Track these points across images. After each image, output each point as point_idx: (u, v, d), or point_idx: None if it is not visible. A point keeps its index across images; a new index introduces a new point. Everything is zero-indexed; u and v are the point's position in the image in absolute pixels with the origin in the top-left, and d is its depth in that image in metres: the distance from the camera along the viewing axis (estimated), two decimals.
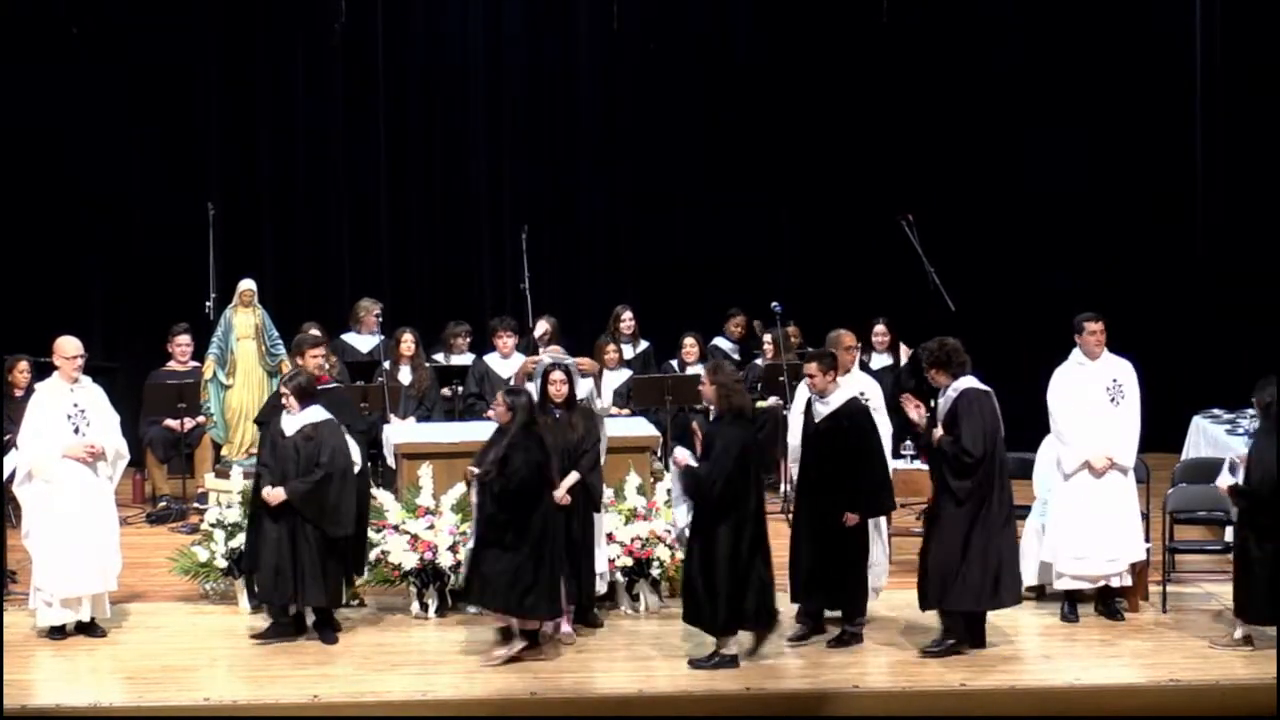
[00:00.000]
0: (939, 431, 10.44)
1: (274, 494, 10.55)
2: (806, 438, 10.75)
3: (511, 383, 11.50)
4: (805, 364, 10.87)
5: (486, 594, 10.35)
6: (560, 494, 10.55)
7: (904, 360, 14.63)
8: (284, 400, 10.79)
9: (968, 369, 10.60)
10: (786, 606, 10.72)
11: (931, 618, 10.65)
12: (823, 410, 10.66)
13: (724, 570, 10.11)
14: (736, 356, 15.65)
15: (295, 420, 10.73)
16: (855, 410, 10.67)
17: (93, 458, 10.75)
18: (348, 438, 10.83)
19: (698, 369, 15.11)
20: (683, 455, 10.31)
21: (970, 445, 10.31)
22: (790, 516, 11.37)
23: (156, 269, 16.11)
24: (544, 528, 10.30)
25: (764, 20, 16.86)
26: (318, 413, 10.76)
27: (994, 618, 11.09)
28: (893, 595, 11.35)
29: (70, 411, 10.79)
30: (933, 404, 10.92)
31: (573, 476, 10.66)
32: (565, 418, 10.77)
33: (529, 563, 10.23)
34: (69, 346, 10.92)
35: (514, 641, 10.39)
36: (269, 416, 11.11)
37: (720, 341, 15.78)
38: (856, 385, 11.11)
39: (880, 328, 14.60)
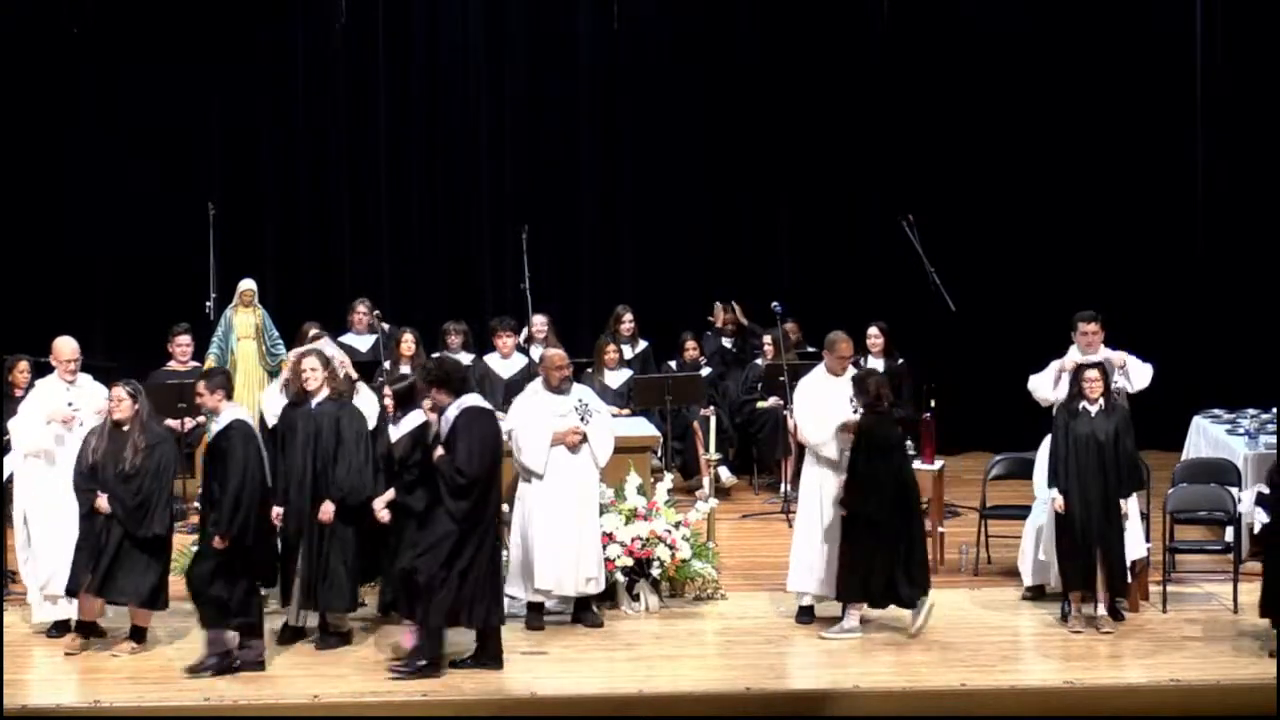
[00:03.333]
0: (439, 450, 10.21)
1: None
2: None
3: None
4: None
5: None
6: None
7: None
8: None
9: (470, 387, 10.47)
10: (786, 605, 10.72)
11: None
12: None
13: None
14: (733, 349, 15.68)
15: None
16: None
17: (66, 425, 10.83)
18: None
19: (699, 360, 15.16)
20: None
21: (465, 465, 10.09)
22: (789, 516, 11.37)
23: (156, 269, 16.12)
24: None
25: (764, 20, 16.85)
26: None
27: (994, 617, 11.12)
28: None
29: (65, 411, 10.90)
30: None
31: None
32: (323, 408, 10.63)
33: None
34: (64, 349, 11.04)
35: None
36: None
37: (724, 340, 15.79)
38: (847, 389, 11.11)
39: (874, 330, 14.58)
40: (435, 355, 10.67)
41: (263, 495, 10.28)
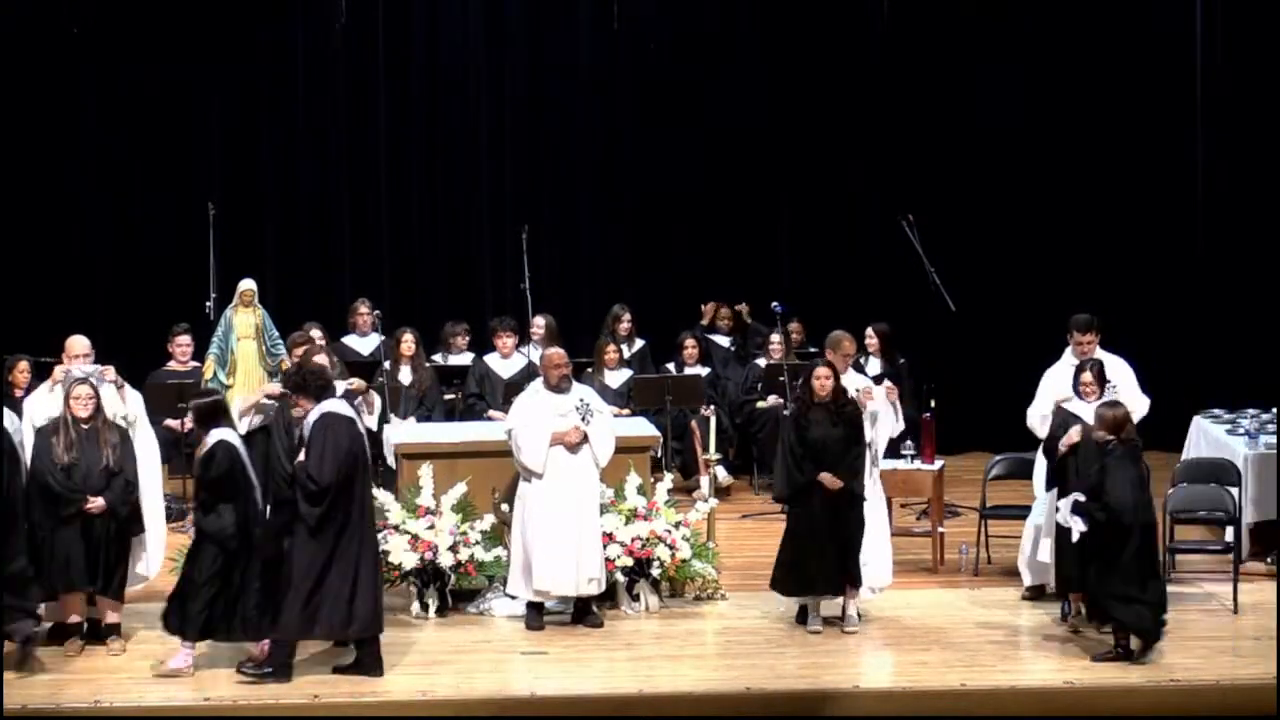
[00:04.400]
0: (301, 456, 10.07)
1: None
2: None
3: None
4: None
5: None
6: None
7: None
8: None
9: (331, 393, 10.28)
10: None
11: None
12: None
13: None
14: (731, 348, 15.69)
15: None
16: None
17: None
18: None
19: (698, 369, 15.16)
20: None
21: (315, 471, 9.90)
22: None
23: (156, 269, 16.12)
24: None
25: (764, 20, 16.86)
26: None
27: (994, 617, 11.12)
28: (893, 595, 11.37)
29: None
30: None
31: None
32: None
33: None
34: (74, 345, 11.11)
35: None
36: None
37: (718, 339, 15.79)
38: (851, 386, 11.14)
39: (870, 331, 14.54)
40: (297, 361, 10.56)
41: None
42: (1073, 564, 10.55)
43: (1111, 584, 10.21)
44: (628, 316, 15.31)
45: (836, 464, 10.74)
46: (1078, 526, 10.27)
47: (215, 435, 10.20)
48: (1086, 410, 10.82)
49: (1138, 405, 11.42)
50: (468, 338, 15.13)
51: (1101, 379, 11.02)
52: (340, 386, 10.77)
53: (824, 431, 10.80)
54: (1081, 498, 10.30)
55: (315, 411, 10.10)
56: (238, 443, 10.26)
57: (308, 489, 9.93)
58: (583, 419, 11.03)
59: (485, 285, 16.82)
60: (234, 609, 10.09)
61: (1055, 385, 11.48)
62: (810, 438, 10.78)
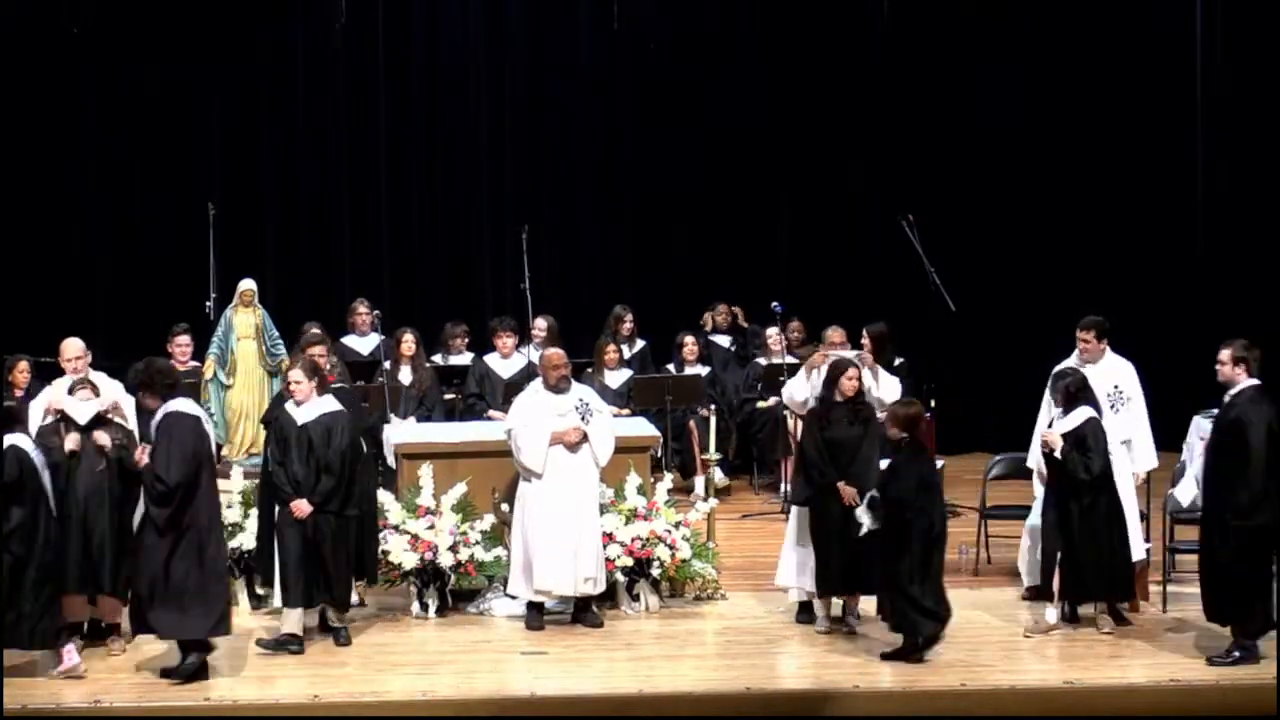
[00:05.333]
0: (146, 458, 10.04)
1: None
2: None
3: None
4: None
5: None
6: None
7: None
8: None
9: (178, 391, 10.19)
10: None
11: None
12: None
13: None
14: (731, 349, 15.68)
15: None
16: None
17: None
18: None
19: (699, 368, 15.15)
20: None
21: (162, 471, 9.83)
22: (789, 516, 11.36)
23: (156, 269, 16.12)
24: None
25: (764, 20, 16.86)
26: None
27: (994, 617, 11.11)
28: None
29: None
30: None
31: None
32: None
33: None
34: (68, 348, 11.02)
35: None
36: (275, 415, 11.11)
37: (719, 339, 15.79)
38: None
39: (863, 332, 14.50)
40: (145, 359, 10.54)
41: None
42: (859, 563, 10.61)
43: (896, 581, 10.25)
44: (629, 317, 15.32)
45: (853, 464, 10.75)
46: (867, 522, 10.32)
47: (8, 440, 9.99)
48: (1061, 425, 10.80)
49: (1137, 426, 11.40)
50: (466, 339, 15.13)
51: (1069, 393, 10.92)
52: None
53: (844, 431, 10.81)
54: (876, 493, 10.38)
55: (161, 411, 10.04)
56: (31, 449, 10.05)
57: (155, 490, 9.86)
58: (582, 419, 11.03)
59: (485, 285, 16.83)
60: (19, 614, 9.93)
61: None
62: (830, 436, 10.80)
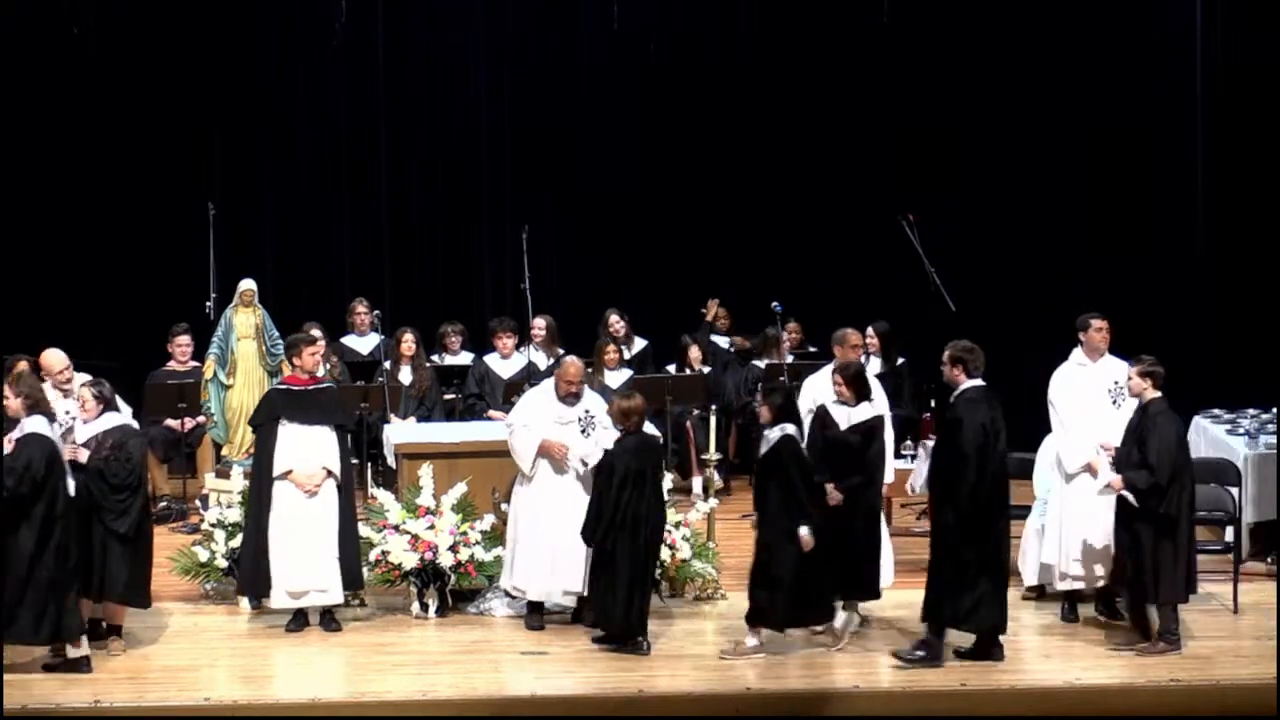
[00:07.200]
0: (87, 455, 10.23)
1: None
2: None
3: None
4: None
5: None
6: None
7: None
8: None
9: (39, 410, 10.20)
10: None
11: None
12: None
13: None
14: (732, 349, 15.69)
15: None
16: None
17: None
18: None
19: (699, 369, 15.15)
20: None
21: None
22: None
23: (156, 269, 16.12)
24: None
25: (764, 20, 16.85)
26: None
27: None
28: (895, 595, 11.34)
29: (61, 419, 10.82)
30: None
31: None
32: None
33: None
34: (53, 363, 11.20)
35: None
36: (264, 419, 11.12)
37: (719, 340, 15.79)
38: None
39: (869, 330, 14.54)
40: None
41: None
42: None
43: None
44: (615, 318, 15.29)
45: (852, 465, 10.74)
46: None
47: (33, 428, 10.09)
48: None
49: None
50: (460, 338, 15.13)
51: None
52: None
53: (844, 432, 10.81)
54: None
55: (21, 428, 10.04)
56: (54, 436, 10.15)
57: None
58: (583, 430, 11.03)
59: (485, 285, 16.83)
60: None
61: (1069, 390, 11.43)
62: (830, 436, 10.80)
